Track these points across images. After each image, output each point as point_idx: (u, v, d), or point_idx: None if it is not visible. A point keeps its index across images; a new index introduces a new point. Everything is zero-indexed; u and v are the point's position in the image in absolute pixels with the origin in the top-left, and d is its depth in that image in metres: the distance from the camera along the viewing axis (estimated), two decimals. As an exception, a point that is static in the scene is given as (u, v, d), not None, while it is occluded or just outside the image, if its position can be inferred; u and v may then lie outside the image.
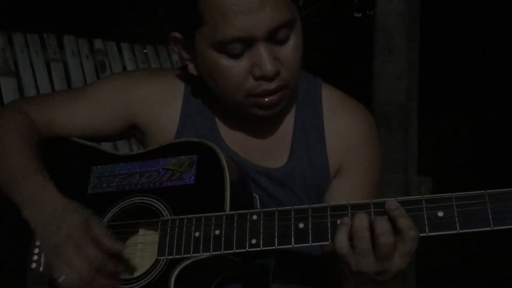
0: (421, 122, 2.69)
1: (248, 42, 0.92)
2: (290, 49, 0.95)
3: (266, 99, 0.96)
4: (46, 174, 1.00)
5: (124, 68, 2.49)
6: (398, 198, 0.82)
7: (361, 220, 0.81)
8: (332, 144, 1.04)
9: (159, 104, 1.07)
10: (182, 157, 0.97)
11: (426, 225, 0.80)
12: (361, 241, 0.81)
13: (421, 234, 0.80)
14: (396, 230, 0.81)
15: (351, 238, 0.81)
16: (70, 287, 0.91)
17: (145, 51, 2.44)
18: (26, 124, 1.07)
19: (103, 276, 0.90)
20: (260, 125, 1.05)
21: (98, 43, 2.39)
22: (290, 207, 0.87)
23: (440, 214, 0.80)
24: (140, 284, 0.91)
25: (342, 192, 1.01)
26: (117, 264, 0.92)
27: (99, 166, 1.04)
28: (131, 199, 0.98)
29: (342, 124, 1.05)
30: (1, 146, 1.04)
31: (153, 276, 0.91)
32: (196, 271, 0.90)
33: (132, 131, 1.12)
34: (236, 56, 0.93)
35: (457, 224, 0.79)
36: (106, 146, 1.15)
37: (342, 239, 0.82)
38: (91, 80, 2.25)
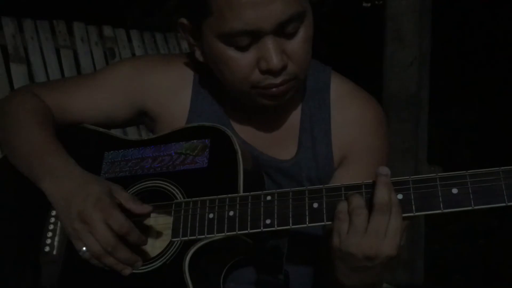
0: (431, 111, 2.68)
1: (255, 35, 0.91)
2: (298, 43, 0.93)
3: (273, 89, 0.95)
4: (65, 151, 1.00)
5: (133, 56, 2.49)
6: (412, 176, 0.82)
7: (359, 199, 0.82)
8: (337, 135, 1.03)
9: (169, 91, 1.07)
10: (195, 141, 0.97)
11: (441, 202, 0.80)
12: (359, 216, 0.80)
13: (436, 211, 0.80)
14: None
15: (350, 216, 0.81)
16: (91, 258, 0.91)
17: (152, 39, 2.43)
18: (41, 105, 1.07)
19: (124, 249, 0.90)
20: (268, 115, 1.04)
21: (107, 30, 2.39)
22: (304, 187, 0.87)
23: (455, 191, 0.80)
24: (155, 265, 0.92)
25: (344, 182, 1.00)
26: (140, 236, 0.92)
27: (111, 152, 1.04)
28: (144, 183, 0.99)
29: (349, 115, 1.04)
30: (18, 124, 1.04)
31: (167, 258, 0.91)
32: (210, 253, 0.91)
33: (142, 117, 1.12)
34: (242, 49, 0.92)
35: (472, 200, 0.79)
36: (116, 133, 1.15)
37: (343, 206, 0.82)
38: (101, 67, 2.25)
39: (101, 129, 1.10)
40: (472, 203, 0.79)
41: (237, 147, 0.93)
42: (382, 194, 0.81)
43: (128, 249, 0.91)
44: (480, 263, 2.98)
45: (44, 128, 1.03)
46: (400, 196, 0.81)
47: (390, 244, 0.80)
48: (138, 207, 0.93)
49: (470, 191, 0.79)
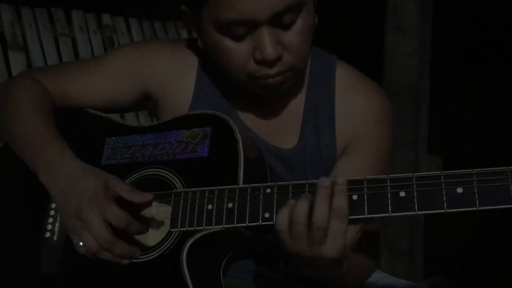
0: (432, 102, 2.67)
1: (250, 25, 0.90)
2: (295, 33, 0.92)
3: (269, 80, 0.94)
4: (64, 140, 0.99)
5: (133, 44, 2.47)
6: (415, 173, 0.80)
7: (302, 205, 0.79)
8: (341, 125, 1.02)
9: (172, 76, 1.07)
10: (196, 129, 0.96)
11: (445, 202, 0.78)
12: (297, 225, 0.79)
13: (439, 211, 0.78)
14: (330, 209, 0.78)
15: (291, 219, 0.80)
16: (88, 254, 0.91)
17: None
18: (41, 91, 1.06)
19: (120, 244, 0.90)
20: (272, 102, 1.03)
21: (106, 19, 2.37)
22: (304, 181, 0.86)
23: (459, 190, 0.77)
24: (153, 255, 0.92)
25: (344, 172, 0.98)
26: (140, 227, 0.91)
27: (113, 137, 1.04)
28: (144, 171, 0.98)
29: (354, 104, 1.02)
30: (17, 112, 1.03)
31: (165, 248, 0.91)
32: (208, 244, 0.90)
33: (145, 102, 1.11)
34: (238, 38, 0.92)
35: (477, 201, 0.76)
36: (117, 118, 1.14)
37: (282, 217, 0.81)
38: (99, 54, 2.24)
39: (103, 114, 1.09)
40: (478, 203, 0.76)
41: (238, 136, 0.92)
42: (321, 207, 0.78)
43: (125, 243, 0.90)
44: (480, 255, 2.99)
45: (42, 116, 1.02)
46: (402, 194, 0.79)
47: (330, 248, 0.79)
48: (138, 197, 0.92)
49: (476, 191, 0.76)
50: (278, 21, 0.90)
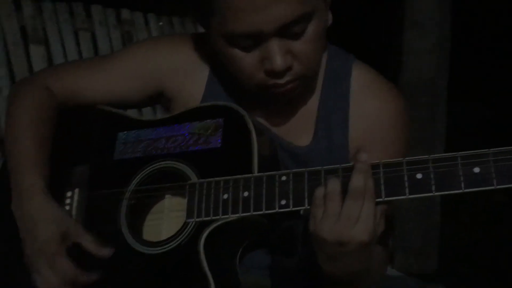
0: (450, 101, 2.64)
1: (258, 38, 0.89)
2: (306, 42, 0.91)
3: (279, 89, 0.94)
4: (44, 167, 1.01)
5: (150, 39, 2.49)
6: (431, 155, 0.80)
7: (337, 184, 0.81)
8: (355, 126, 1.01)
9: (186, 72, 1.07)
10: (208, 120, 0.97)
11: (462, 182, 0.78)
12: (332, 202, 0.80)
13: (456, 191, 0.78)
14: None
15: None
16: None
17: (160, 23, 2.44)
18: (42, 100, 1.07)
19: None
20: (283, 104, 1.03)
21: (125, 13, 2.40)
22: (320, 167, 0.86)
23: (476, 170, 0.77)
24: (170, 246, 0.92)
25: None
26: (90, 276, 0.94)
27: (125, 132, 1.05)
28: (158, 163, 0.99)
29: (369, 105, 1.02)
30: (15, 126, 1.05)
31: (182, 239, 0.91)
32: (225, 234, 0.91)
33: (159, 98, 1.12)
34: (246, 49, 0.91)
35: (494, 180, 0.76)
36: (131, 113, 1.15)
37: (319, 193, 0.82)
38: (118, 49, 2.27)
39: (115, 110, 1.10)
40: (495, 182, 0.76)
41: (251, 126, 0.92)
42: (356, 180, 0.80)
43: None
44: (494, 254, 2.96)
45: (35, 131, 1.03)
46: (419, 176, 0.80)
47: (362, 230, 0.79)
48: (96, 250, 0.94)
49: (493, 170, 0.76)
50: (287, 31, 0.89)
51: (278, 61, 0.89)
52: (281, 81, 0.92)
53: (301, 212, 0.85)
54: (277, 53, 0.89)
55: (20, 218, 0.98)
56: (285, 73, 0.92)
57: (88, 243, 0.95)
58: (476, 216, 3.18)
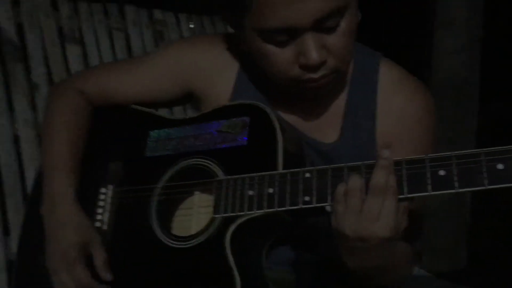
0: (482, 101, 2.60)
1: (293, 32, 0.90)
2: (339, 37, 0.92)
3: (313, 84, 0.95)
4: (76, 174, 1.07)
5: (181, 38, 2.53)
6: (455, 152, 0.79)
7: (358, 180, 0.82)
8: (383, 123, 1.02)
9: (215, 72, 1.09)
10: (235, 119, 0.99)
11: (485, 178, 0.77)
12: (353, 198, 0.81)
13: (480, 188, 0.77)
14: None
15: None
16: None
17: (191, 25, 2.47)
18: (77, 104, 1.13)
19: None
20: (312, 100, 1.04)
21: (157, 13, 2.44)
22: (343, 164, 0.87)
23: (500, 166, 0.76)
24: (198, 241, 0.95)
25: None
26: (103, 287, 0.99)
27: (156, 131, 1.08)
28: (187, 161, 1.02)
29: (397, 102, 1.02)
30: (51, 129, 1.11)
31: (209, 233, 0.94)
32: (250, 230, 0.93)
33: (189, 97, 1.14)
34: (281, 45, 0.92)
35: None
36: (162, 112, 1.19)
37: (340, 188, 0.83)
38: (150, 48, 2.31)
39: (146, 109, 1.14)
40: None
41: (276, 124, 0.94)
42: (378, 176, 0.80)
43: None
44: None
45: (69, 139, 1.09)
46: (442, 173, 0.79)
47: (383, 226, 0.80)
48: (101, 269, 1.01)
49: None
50: (322, 26, 0.90)
51: (314, 55, 0.90)
52: (316, 75, 0.93)
53: (327, 208, 0.86)
54: (312, 47, 0.90)
55: (48, 221, 1.03)
56: (320, 68, 0.92)
57: (98, 259, 1.01)
58: (506, 216, 3.12)
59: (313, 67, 0.92)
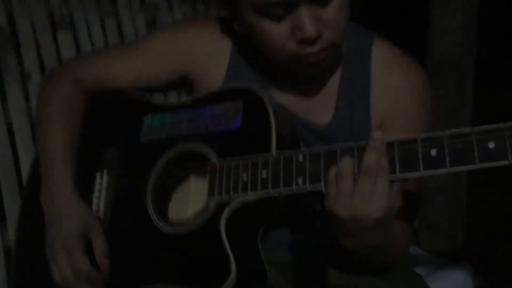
0: (476, 80, 2.59)
1: (289, 5, 0.90)
2: (334, 10, 0.92)
3: (311, 58, 0.95)
4: (73, 162, 1.07)
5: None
6: (446, 131, 0.80)
7: (348, 161, 0.82)
8: (377, 102, 1.02)
9: (207, 55, 1.09)
10: (228, 103, 0.99)
11: (476, 157, 0.77)
12: (344, 179, 0.82)
13: (471, 166, 0.78)
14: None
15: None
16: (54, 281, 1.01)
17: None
18: (73, 94, 1.13)
19: (85, 283, 0.98)
20: (307, 80, 1.04)
21: (149, -1, 2.42)
22: (336, 147, 0.87)
23: (491, 145, 0.76)
24: (193, 225, 0.96)
25: None
26: (102, 275, 0.99)
27: (150, 116, 1.08)
28: (181, 145, 1.02)
29: (390, 82, 1.02)
30: (46, 119, 1.12)
31: (204, 218, 0.94)
32: (245, 213, 0.93)
33: (183, 82, 1.14)
34: (277, 19, 0.92)
35: (509, 154, 0.75)
36: (155, 96, 1.18)
37: (331, 171, 0.84)
38: (143, 34, 2.29)
39: (140, 94, 1.14)
40: (510, 157, 0.75)
41: (270, 107, 0.94)
42: (369, 157, 0.81)
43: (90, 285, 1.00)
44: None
45: (65, 128, 1.09)
46: (434, 152, 0.80)
47: (376, 207, 0.80)
48: (99, 255, 1.01)
49: (508, 144, 0.75)
50: None
51: (309, 28, 0.91)
52: (314, 49, 0.93)
53: (322, 189, 0.86)
54: (307, 20, 0.90)
55: (48, 210, 1.04)
56: (316, 41, 0.93)
57: (98, 248, 1.01)
58: (503, 195, 3.13)
59: (310, 40, 0.92)
